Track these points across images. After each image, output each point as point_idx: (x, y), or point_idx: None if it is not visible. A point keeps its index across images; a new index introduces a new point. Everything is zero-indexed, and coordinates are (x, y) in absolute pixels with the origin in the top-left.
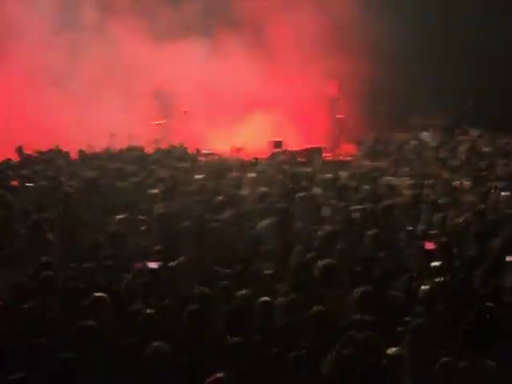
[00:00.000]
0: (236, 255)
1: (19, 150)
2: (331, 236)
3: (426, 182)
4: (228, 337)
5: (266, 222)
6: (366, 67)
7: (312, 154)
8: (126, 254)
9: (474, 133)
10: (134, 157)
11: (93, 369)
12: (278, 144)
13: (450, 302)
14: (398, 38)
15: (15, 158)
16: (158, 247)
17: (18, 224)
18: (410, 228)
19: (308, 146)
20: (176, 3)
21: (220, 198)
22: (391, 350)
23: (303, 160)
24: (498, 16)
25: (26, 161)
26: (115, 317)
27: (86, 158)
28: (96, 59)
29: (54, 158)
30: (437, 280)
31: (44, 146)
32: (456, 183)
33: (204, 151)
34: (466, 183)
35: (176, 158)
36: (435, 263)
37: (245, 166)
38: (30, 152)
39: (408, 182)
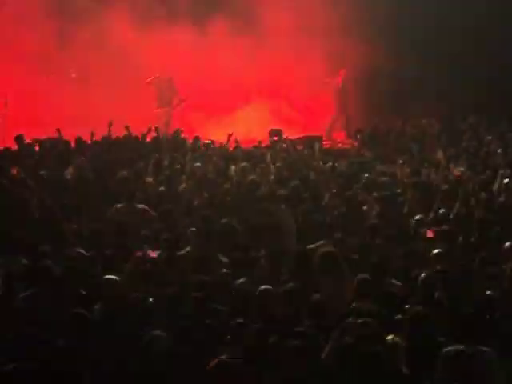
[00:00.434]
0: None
1: (18, 138)
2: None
3: (425, 170)
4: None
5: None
6: (368, 53)
7: (312, 142)
8: (127, 242)
9: (473, 119)
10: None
11: (91, 357)
12: (276, 132)
13: (448, 289)
14: (403, 25)
15: (14, 146)
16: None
17: (18, 213)
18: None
19: (307, 134)
20: None
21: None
22: (388, 338)
23: (302, 148)
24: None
25: (25, 150)
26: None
27: (85, 146)
28: (92, 47)
29: (53, 146)
30: (436, 268)
31: (43, 134)
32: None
33: (205, 141)
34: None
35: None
36: (435, 251)
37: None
38: (28, 141)
39: (407, 169)
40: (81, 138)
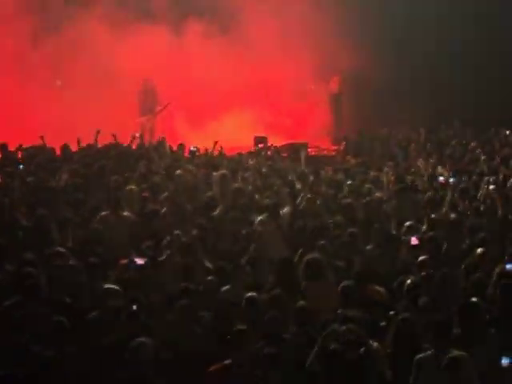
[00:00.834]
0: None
1: (2, 146)
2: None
3: (410, 177)
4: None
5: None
6: (354, 58)
7: (297, 149)
8: (112, 251)
9: (458, 125)
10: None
11: (76, 366)
12: (262, 139)
13: (433, 296)
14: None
15: None
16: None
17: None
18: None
19: (293, 141)
20: None
21: None
22: (373, 344)
23: (287, 155)
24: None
25: (9, 157)
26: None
27: (70, 154)
28: (71, 54)
29: (37, 154)
30: (421, 274)
31: (27, 142)
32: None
33: (191, 148)
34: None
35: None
36: (420, 258)
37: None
38: (12, 149)
39: (392, 176)
40: (67, 145)
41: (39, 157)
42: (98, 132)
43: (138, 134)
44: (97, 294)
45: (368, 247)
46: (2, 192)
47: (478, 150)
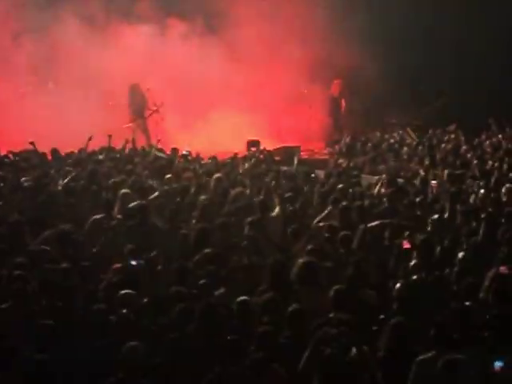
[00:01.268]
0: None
1: None
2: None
3: (402, 180)
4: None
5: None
6: (348, 61)
7: (289, 152)
8: (103, 253)
9: (451, 129)
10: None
11: (67, 370)
12: (254, 143)
13: (425, 299)
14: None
15: None
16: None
17: None
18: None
19: (285, 144)
20: None
21: None
22: (364, 347)
23: (280, 159)
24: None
25: (1, 162)
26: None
27: (60, 157)
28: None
29: (28, 158)
30: (412, 278)
31: (19, 146)
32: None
33: (183, 151)
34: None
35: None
36: (412, 261)
37: None
38: (4, 152)
39: (384, 179)
40: (56, 150)
41: (33, 161)
42: (90, 139)
43: (131, 138)
44: (88, 297)
45: (360, 251)
46: None
47: (470, 154)
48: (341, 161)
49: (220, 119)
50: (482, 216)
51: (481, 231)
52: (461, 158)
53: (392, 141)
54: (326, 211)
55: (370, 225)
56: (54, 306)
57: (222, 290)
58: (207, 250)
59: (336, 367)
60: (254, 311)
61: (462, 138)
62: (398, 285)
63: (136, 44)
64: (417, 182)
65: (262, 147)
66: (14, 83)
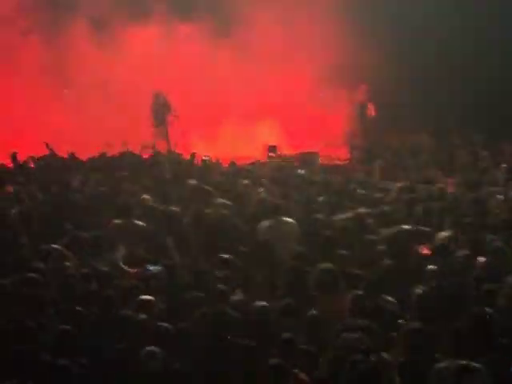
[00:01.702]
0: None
1: (13, 156)
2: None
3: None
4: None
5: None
6: (365, 66)
7: (308, 158)
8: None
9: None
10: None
11: (86, 374)
12: (273, 149)
13: (443, 305)
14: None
15: (9, 163)
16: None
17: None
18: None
19: (304, 150)
20: None
21: None
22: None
23: (298, 164)
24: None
25: (21, 167)
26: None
27: (80, 163)
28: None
29: (49, 163)
30: (431, 284)
31: (39, 151)
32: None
33: (203, 156)
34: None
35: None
36: (430, 267)
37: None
38: (24, 158)
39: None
40: (74, 154)
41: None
42: (109, 145)
43: (149, 144)
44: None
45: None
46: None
47: (489, 160)
48: (360, 167)
49: (237, 124)
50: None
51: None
52: (480, 163)
53: (410, 147)
54: (345, 215)
55: (389, 231)
56: (72, 310)
57: (239, 296)
58: (224, 255)
59: (354, 373)
60: (272, 317)
61: (481, 144)
62: (416, 291)
63: (152, 48)
64: (435, 187)
65: (280, 152)
66: (28, 87)
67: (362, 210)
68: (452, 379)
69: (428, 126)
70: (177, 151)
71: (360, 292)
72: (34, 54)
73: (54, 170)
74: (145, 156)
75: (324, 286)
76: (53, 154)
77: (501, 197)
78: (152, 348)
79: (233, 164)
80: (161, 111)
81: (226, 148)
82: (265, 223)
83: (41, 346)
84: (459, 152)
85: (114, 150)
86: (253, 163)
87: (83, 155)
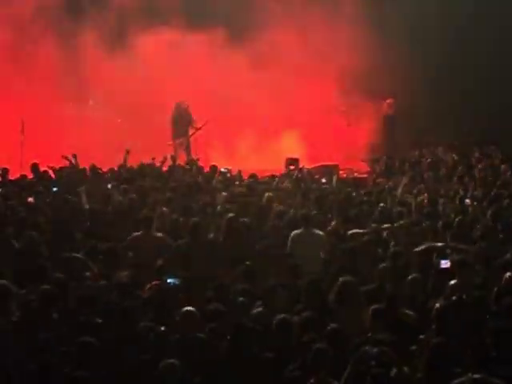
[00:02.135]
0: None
1: (34, 166)
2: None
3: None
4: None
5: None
6: (384, 80)
7: (328, 171)
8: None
9: (489, 150)
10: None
11: None
12: (293, 161)
13: (464, 320)
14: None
15: (30, 174)
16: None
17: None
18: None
19: (323, 163)
20: None
21: None
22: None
23: (319, 177)
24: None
25: (41, 178)
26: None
27: (99, 174)
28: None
29: (70, 174)
30: (451, 298)
31: (59, 162)
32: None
33: (222, 169)
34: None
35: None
36: (451, 281)
37: None
38: (44, 168)
39: (423, 199)
40: (95, 165)
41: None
42: (128, 152)
43: (169, 156)
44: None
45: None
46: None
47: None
48: (380, 180)
49: (257, 136)
50: None
51: None
52: (500, 177)
53: (430, 160)
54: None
55: (417, 249)
56: (92, 322)
57: (259, 309)
58: (245, 267)
59: None
60: (293, 330)
61: (501, 157)
62: (437, 305)
63: (171, 59)
64: (456, 201)
65: (300, 165)
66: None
67: (384, 225)
68: None
69: (449, 139)
70: (198, 163)
71: (380, 306)
72: (50, 64)
73: (77, 181)
74: (164, 168)
75: (344, 299)
76: (73, 166)
77: None
78: (171, 361)
79: (253, 176)
80: (183, 122)
81: (246, 160)
82: (296, 233)
83: (62, 358)
84: (479, 165)
85: (132, 161)
86: (273, 175)
87: (103, 166)
